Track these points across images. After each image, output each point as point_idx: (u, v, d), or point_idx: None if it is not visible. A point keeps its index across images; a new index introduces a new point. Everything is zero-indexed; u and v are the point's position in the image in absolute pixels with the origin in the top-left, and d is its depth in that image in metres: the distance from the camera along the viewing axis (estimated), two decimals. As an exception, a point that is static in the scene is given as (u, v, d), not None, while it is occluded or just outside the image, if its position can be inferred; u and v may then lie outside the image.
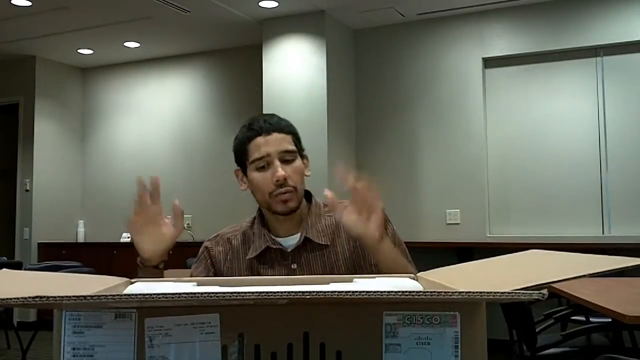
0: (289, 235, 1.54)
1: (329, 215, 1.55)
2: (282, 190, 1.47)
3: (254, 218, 1.60)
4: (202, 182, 6.55)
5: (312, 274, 1.49)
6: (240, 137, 1.55)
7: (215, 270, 1.57)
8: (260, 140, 1.49)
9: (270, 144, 1.48)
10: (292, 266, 1.51)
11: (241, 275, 1.52)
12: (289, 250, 1.52)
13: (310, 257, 1.52)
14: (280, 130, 1.50)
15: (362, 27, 5.87)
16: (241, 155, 1.54)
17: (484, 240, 5.26)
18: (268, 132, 1.49)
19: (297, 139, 1.54)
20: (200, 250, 1.63)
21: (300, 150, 1.54)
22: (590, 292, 2.59)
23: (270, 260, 1.53)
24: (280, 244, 1.53)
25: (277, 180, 1.46)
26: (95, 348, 0.86)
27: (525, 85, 5.39)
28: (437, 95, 5.59)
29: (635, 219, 4.97)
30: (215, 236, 1.64)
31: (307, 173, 1.56)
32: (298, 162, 1.51)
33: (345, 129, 5.65)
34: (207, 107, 6.62)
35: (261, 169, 1.49)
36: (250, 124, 1.53)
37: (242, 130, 1.55)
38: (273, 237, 1.54)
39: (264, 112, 5.53)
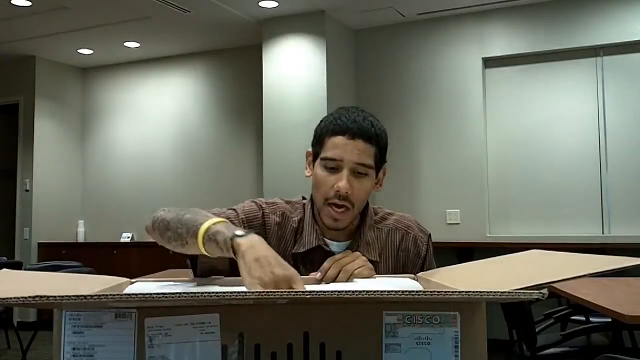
0: (338, 241, 1.43)
1: (378, 228, 1.47)
2: (339, 202, 1.35)
3: (304, 205, 1.47)
4: (202, 182, 6.55)
5: None
6: (323, 125, 1.40)
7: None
8: (340, 140, 1.34)
9: (349, 150, 1.34)
10: None
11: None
12: None
13: None
14: (368, 139, 1.35)
15: (362, 27, 5.87)
16: (317, 143, 1.41)
17: (484, 240, 5.26)
18: (353, 136, 1.34)
19: (380, 153, 1.39)
20: (248, 203, 1.46)
21: (378, 165, 1.40)
22: (590, 292, 2.59)
23: (313, 261, 1.40)
24: (330, 248, 1.42)
25: (338, 191, 1.34)
26: (95, 348, 0.86)
27: (525, 85, 5.39)
28: (437, 95, 5.59)
29: (635, 219, 4.97)
30: (272, 204, 1.47)
31: (379, 189, 1.44)
32: (369, 179, 1.38)
33: (345, 129, 5.64)
34: (207, 107, 6.62)
35: (329, 169, 1.36)
36: (339, 116, 1.38)
37: (329, 118, 1.40)
38: (326, 238, 1.42)
39: (264, 112, 5.54)
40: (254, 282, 0.99)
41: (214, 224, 1.13)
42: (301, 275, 1.38)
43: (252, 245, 1.05)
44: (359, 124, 1.36)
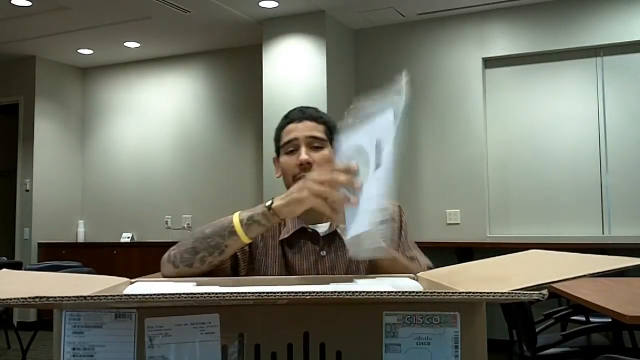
0: (317, 223, 1.53)
1: None
2: (305, 173, 1.45)
3: None
4: (202, 182, 6.55)
5: (338, 266, 1.49)
6: (277, 125, 1.60)
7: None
8: (291, 126, 1.54)
9: (300, 129, 1.52)
10: (322, 253, 1.49)
11: (273, 256, 1.49)
12: (322, 235, 1.51)
13: (338, 247, 1.51)
14: (313, 119, 1.54)
15: (362, 27, 5.87)
16: (276, 142, 1.59)
17: (484, 240, 5.26)
18: (300, 119, 1.54)
19: (329, 130, 1.55)
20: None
21: (332, 140, 1.53)
22: (590, 292, 2.60)
23: (299, 245, 1.51)
24: (313, 229, 1.52)
25: (301, 164, 1.47)
26: (95, 348, 0.86)
27: (525, 85, 5.39)
28: (437, 95, 5.59)
29: (635, 219, 4.97)
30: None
31: None
32: (326, 150, 1.52)
33: (345, 129, 5.65)
34: (207, 107, 6.62)
35: (289, 152, 1.52)
36: (287, 113, 1.59)
37: (281, 119, 1.60)
38: (308, 225, 1.52)
39: (264, 112, 5.55)
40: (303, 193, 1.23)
41: (239, 215, 1.31)
42: (289, 260, 1.48)
43: (282, 197, 1.28)
44: (303, 111, 1.56)
